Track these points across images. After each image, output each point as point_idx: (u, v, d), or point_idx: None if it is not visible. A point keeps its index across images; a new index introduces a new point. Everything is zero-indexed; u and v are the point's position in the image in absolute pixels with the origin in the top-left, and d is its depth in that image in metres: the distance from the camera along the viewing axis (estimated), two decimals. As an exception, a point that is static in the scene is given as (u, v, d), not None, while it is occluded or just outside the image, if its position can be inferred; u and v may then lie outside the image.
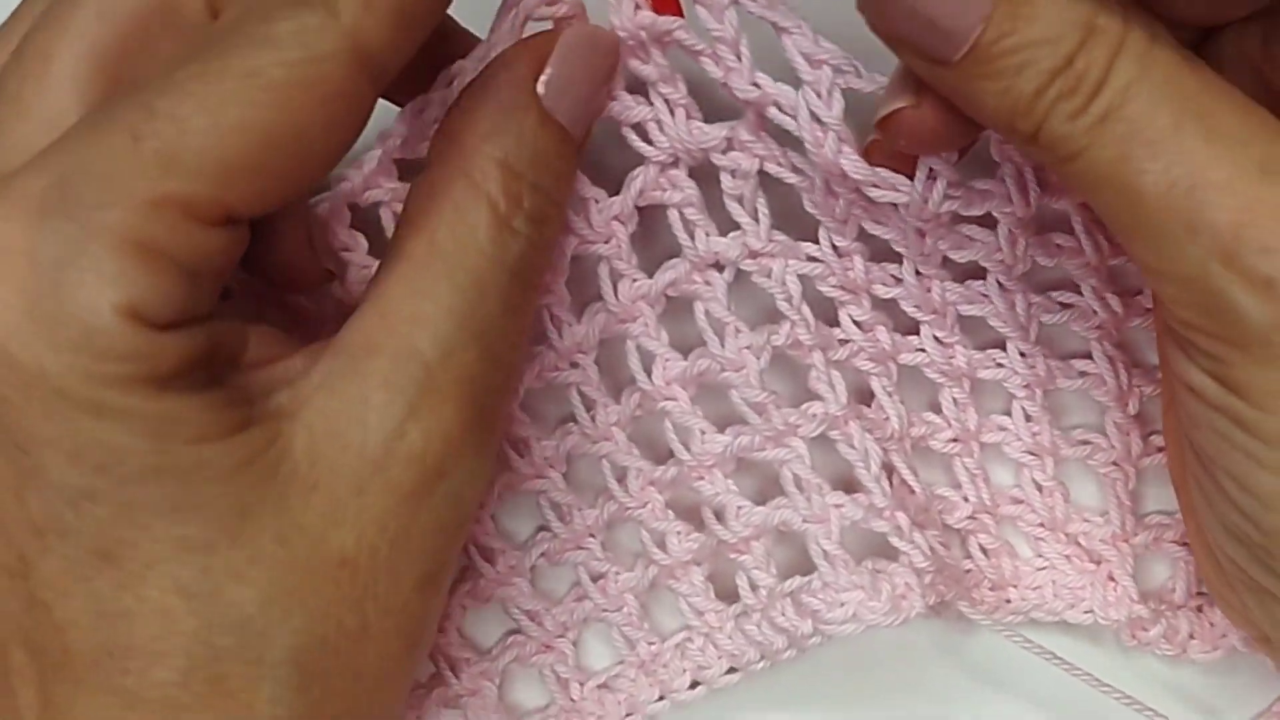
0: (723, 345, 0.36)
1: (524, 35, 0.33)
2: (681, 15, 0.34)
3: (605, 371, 0.38)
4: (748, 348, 0.36)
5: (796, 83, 0.33)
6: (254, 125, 0.27)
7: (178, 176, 0.27)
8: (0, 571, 0.30)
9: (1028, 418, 0.39)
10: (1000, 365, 0.39)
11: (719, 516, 0.37)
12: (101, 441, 0.28)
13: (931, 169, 0.33)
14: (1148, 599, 0.39)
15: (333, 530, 0.30)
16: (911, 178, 0.34)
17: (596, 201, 0.36)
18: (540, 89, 0.32)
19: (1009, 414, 0.39)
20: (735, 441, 0.36)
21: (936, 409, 0.39)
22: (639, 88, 0.35)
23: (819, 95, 0.33)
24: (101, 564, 0.29)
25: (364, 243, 0.36)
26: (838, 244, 0.36)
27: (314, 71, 0.28)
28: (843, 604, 0.36)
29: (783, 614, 0.37)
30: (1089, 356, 0.39)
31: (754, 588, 0.37)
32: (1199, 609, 0.40)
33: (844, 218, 0.36)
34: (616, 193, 0.36)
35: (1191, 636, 0.39)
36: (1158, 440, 0.39)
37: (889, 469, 0.38)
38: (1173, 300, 0.30)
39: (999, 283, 0.37)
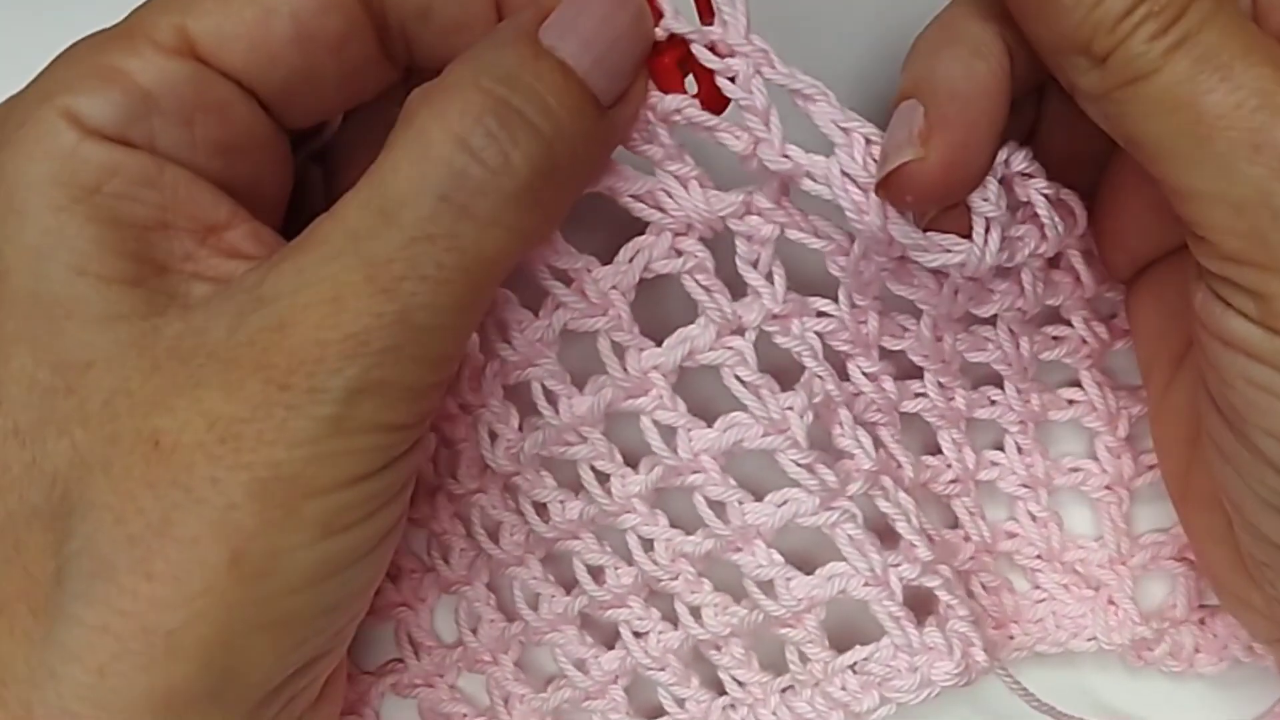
0: (766, 408, 0.34)
1: None
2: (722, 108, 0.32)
3: (616, 442, 0.35)
4: (790, 408, 0.34)
5: (824, 151, 0.32)
6: None
7: (149, 13, 0.30)
8: None
9: (1020, 451, 0.38)
10: (994, 403, 0.38)
11: (766, 590, 0.35)
12: (1, 254, 0.28)
13: (988, 219, 0.32)
14: (1149, 618, 0.39)
15: (157, 412, 0.28)
16: (967, 235, 0.32)
17: (589, 271, 0.34)
18: (541, 31, 0.30)
19: (1000, 448, 0.39)
20: (782, 510, 0.34)
21: (933, 452, 0.38)
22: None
23: (854, 159, 0.31)
24: None
25: None
26: (857, 302, 0.35)
27: None
28: (915, 669, 0.34)
29: (842, 687, 0.35)
30: (1074, 385, 0.39)
31: (805, 661, 0.36)
32: (1201, 621, 0.40)
33: (870, 280, 0.35)
34: (606, 261, 0.34)
35: (1197, 650, 0.39)
36: (1148, 459, 0.39)
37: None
38: (1224, 229, 0.29)
39: (1010, 329, 0.36)
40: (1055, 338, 0.38)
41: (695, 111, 0.32)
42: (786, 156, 0.32)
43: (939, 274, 0.34)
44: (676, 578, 0.36)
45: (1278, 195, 0.28)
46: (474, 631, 0.39)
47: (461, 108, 0.28)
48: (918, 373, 0.37)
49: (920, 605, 0.36)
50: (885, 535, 0.36)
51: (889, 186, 0.31)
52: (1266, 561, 0.33)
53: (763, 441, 0.34)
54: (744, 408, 0.34)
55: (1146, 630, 0.39)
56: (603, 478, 0.36)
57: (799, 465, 0.34)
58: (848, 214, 0.32)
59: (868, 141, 0.32)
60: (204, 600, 0.27)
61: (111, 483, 0.28)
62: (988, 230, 0.32)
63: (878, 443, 0.36)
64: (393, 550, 0.32)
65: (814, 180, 0.32)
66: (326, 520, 0.29)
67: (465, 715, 0.39)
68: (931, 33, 0.32)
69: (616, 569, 0.37)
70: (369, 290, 0.28)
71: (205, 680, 0.28)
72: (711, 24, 0.32)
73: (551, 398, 0.35)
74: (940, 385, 0.37)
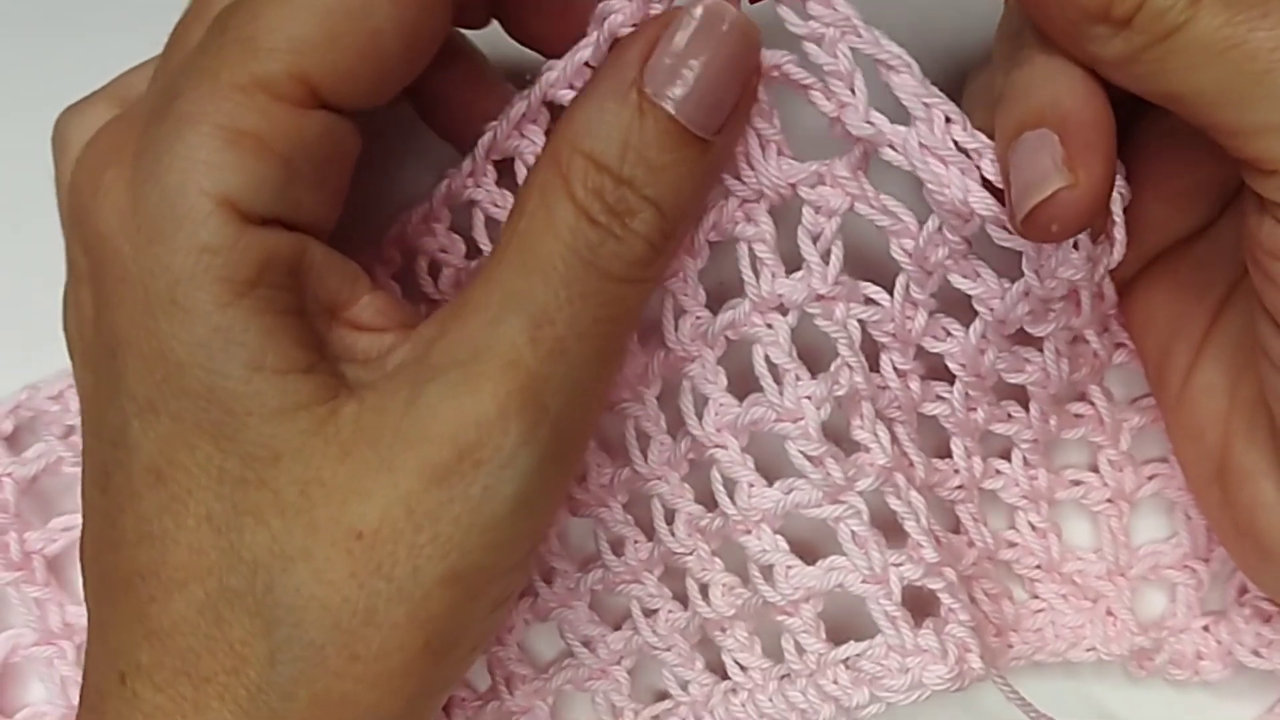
0: (781, 393, 0.33)
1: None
2: None
3: (665, 406, 0.35)
4: (808, 397, 0.33)
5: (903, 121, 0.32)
6: (318, 1, 0.28)
7: (256, 58, 0.28)
8: (91, 485, 0.31)
9: (1026, 464, 0.38)
10: (1012, 418, 0.37)
11: (766, 576, 0.35)
12: (168, 348, 0.28)
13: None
14: (1149, 628, 0.39)
15: (355, 499, 0.29)
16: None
17: None
18: (645, 77, 0.29)
19: (1005, 457, 0.38)
20: (788, 498, 0.34)
21: (943, 455, 0.38)
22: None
23: (934, 133, 0.31)
24: (153, 482, 0.29)
25: (461, 245, 0.35)
26: (913, 294, 0.34)
27: None
28: (907, 669, 0.33)
29: (834, 681, 0.34)
30: (1078, 399, 0.38)
31: (801, 652, 0.35)
32: (1205, 628, 0.39)
33: (933, 269, 0.34)
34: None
35: (1199, 657, 0.39)
36: (1148, 469, 0.39)
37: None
38: None
39: (1057, 349, 0.36)
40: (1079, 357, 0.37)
41: (794, 68, 0.31)
42: (870, 122, 0.32)
43: (1002, 277, 0.34)
44: (691, 553, 0.36)
45: None
46: None
47: (582, 180, 0.29)
48: (944, 375, 0.36)
49: (925, 607, 0.35)
50: (893, 533, 0.35)
51: (1036, 218, 0.30)
52: None
53: (776, 427, 0.34)
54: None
55: (1145, 641, 0.39)
56: (644, 441, 0.35)
57: (806, 457, 0.34)
58: (927, 185, 0.32)
59: (948, 120, 0.31)
60: (401, 680, 0.29)
61: (315, 573, 0.29)
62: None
63: (893, 439, 0.36)
64: None
65: (895, 150, 0.32)
66: (501, 597, 0.31)
67: (465, 699, 0.39)
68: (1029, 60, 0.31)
69: (636, 542, 0.37)
70: (537, 351, 0.29)
71: None
72: None
73: None
74: (967, 396, 0.36)
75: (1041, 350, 0.36)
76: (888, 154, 0.32)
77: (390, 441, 0.29)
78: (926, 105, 0.31)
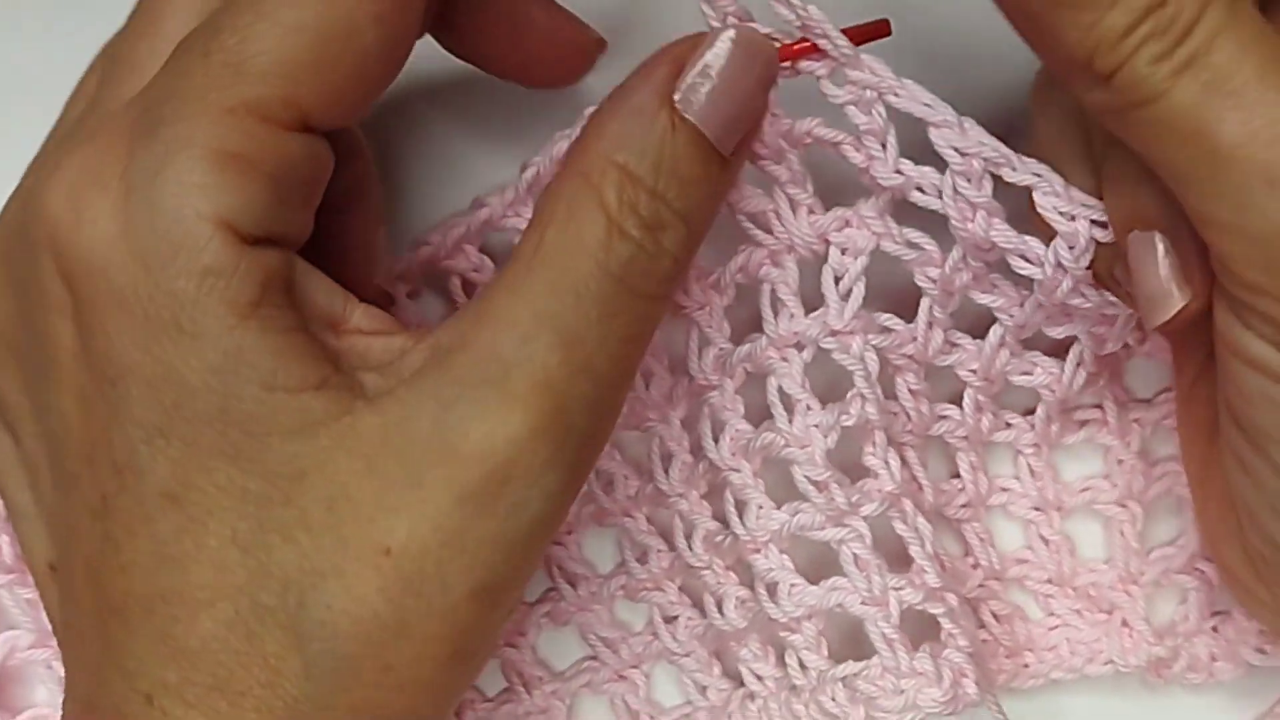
0: (790, 421, 0.34)
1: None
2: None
3: (689, 429, 0.37)
4: (816, 425, 0.34)
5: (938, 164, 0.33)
6: (308, 24, 0.28)
7: (247, 82, 0.28)
8: (84, 511, 0.30)
9: (1033, 473, 0.38)
10: (1010, 425, 0.38)
11: (771, 593, 0.35)
12: (176, 374, 0.28)
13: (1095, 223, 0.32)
14: (1164, 635, 0.39)
15: (383, 516, 0.28)
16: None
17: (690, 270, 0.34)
18: (676, 93, 0.29)
19: (1010, 472, 0.39)
20: (793, 520, 0.35)
21: (949, 475, 0.38)
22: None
23: (969, 180, 0.32)
24: (167, 506, 0.29)
25: (490, 265, 0.36)
26: (936, 315, 0.35)
27: None
28: (901, 691, 0.34)
29: (832, 698, 0.35)
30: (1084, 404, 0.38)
31: (803, 668, 0.36)
32: (1214, 629, 0.39)
33: (956, 291, 0.35)
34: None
35: (1213, 659, 0.39)
36: (1160, 469, 0.39)
37: None
38: (1241, 260, 0.28)
39: (1083, 356, 0.36)
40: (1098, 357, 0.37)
41: (822, 130, 0.33)
42: (900, 172, 0.33)
43: (1019, 286, 0.35)
44: (708, 568, 0.36)
45: None
46: None
47: (616, 193, 0.29)
48: (945, 396, 0.37)
49: (932, 633, 0.36)
50: (901, 558, 0.36)
51: (1164, 329, 0.31)
52: (1276, 564, 0.33)
53: (785, 452, 0.35)
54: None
55: (1162, 649, 0.39)
56: (667, 460, 0.37)
57: (811, 481, 0.35)
58: (953, 222, 0.33)
59: (987, 163, 0.32)
60: (430, 691, 0.30)
61: (345, 588, 0.28)
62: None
63: (904, 463, 0.36)
64: None
65: (923, 192, 0.33)
66: (513, 606, 0.31)
67: (473, 700, 0.40)
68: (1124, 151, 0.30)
69: (659, 551, 0.38)
70: (568, 371, 0.29)
71: None
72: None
73: (645, 374, 0.36)
74: (977, 402, 0.37)
75: (1055, 356, 0.36)
76: (915, 196, 0.33)
77: (418, 458, 0.28)
78: (964, 155, 0.32)
